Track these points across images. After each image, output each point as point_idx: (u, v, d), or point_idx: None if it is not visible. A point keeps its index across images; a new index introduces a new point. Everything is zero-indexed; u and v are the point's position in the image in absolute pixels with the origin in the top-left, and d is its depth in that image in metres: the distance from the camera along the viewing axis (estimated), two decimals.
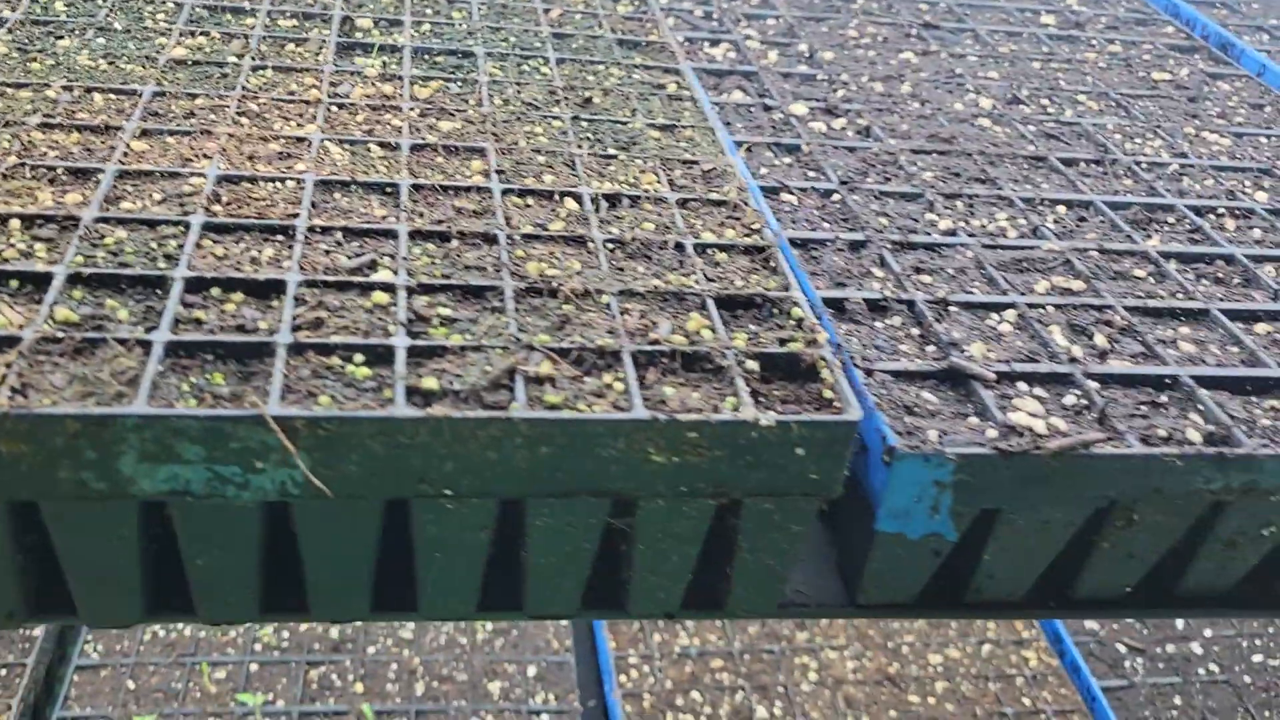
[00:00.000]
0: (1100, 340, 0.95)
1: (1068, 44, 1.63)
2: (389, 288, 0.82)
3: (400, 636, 2.11)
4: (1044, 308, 0.98)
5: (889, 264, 1.01)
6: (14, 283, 0.77)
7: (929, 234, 1.07)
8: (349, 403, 0.71)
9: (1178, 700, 2.19)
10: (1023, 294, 1.00)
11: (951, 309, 0.96)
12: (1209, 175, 1.28)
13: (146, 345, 0.73)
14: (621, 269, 0.89)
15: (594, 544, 0.81)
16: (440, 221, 0.91)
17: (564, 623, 2.22)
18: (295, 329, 0.77)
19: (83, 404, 0.67)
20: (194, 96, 1.04)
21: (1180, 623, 2.39)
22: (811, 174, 1.16)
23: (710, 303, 0.86)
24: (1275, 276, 1.09)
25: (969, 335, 0.93)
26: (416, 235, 0.89)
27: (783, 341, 0.84)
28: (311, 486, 0.70)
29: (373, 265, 0.84)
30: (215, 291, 0.80)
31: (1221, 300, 1.04)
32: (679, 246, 0.93)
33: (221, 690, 1.94)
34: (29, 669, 1.86)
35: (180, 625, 2.04)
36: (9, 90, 1.00)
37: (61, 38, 1.12)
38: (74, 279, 0.78)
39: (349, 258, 0.85)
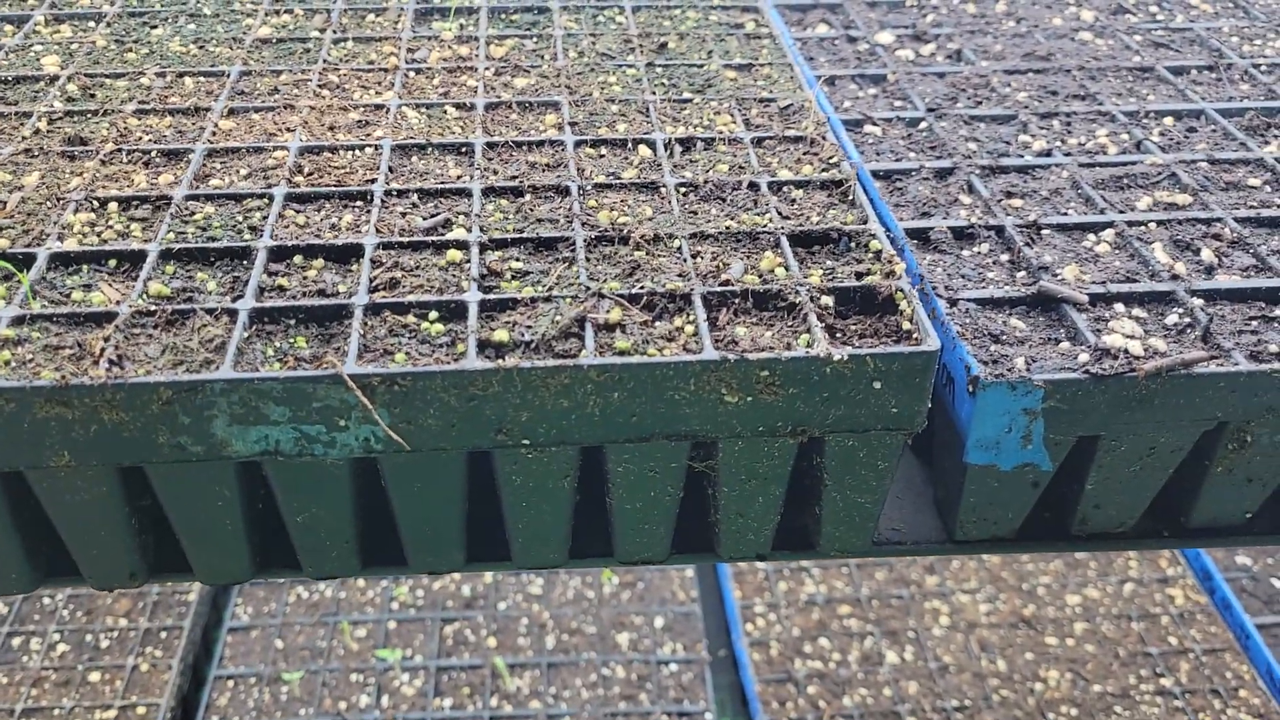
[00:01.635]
0: (1207, 255, 0.89)
1: None
2: (462, 245, 0.83)
3: (529, 592, 2.17)
4: (1145, 225, 0.93)
5: (977, 190, 0.97)
6: (112, 262, 0.81)
7: (1021, 156, 1.03)
8: (423, 358, 0.73)
9: None
10: (1122, 212, 0.95)
11: (1044, 232, 0.92)
12: None
13: (233, 314, 0.76)
14: (695, 212, 0.88)
15: (677, 487, 0.81)
16: (514, 177, 0.92)
17: (689, 574, 2.23)
18: (372, 290, 0.79)
19: (174, 372, 0.71)
20: (278, 73, 1.07)
21: None
22: (898, 103, 1.13)
23: (784, 240, 0.84)
24: None
25: (1063, 258, 0.89)
26: (490, 192, 0.90)
27: (860, 275, 0.82)
28: (391, 441, 0.72)
29: (447, 224, 0.86)
30: (298, 259, 0.82)
31: None
32: (753, 186, 0.91)
33: (363, 647, 2.03)
34: (185, 631, 1.98)
35: (322, 587, 2.14)
36: (107, 80, 1.05)
37: (155, 27, 1.16)
38: (166, 255, 0.82)
39: (424, 218, 0.86)
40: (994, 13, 1.32)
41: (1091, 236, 0.92)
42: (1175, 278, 0.87)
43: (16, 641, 1.95)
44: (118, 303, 0.77)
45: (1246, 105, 1.12)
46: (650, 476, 0.79)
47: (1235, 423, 0.81)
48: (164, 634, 1.97)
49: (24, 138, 0.95)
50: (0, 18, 1.18)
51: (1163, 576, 2.21)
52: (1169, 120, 1.10)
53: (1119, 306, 0.84)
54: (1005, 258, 0.90)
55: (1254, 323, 0.83)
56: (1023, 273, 0.88)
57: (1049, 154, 1.03)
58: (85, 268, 0.81)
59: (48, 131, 0.97)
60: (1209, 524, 0.89)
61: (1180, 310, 0.84)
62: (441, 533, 0.82)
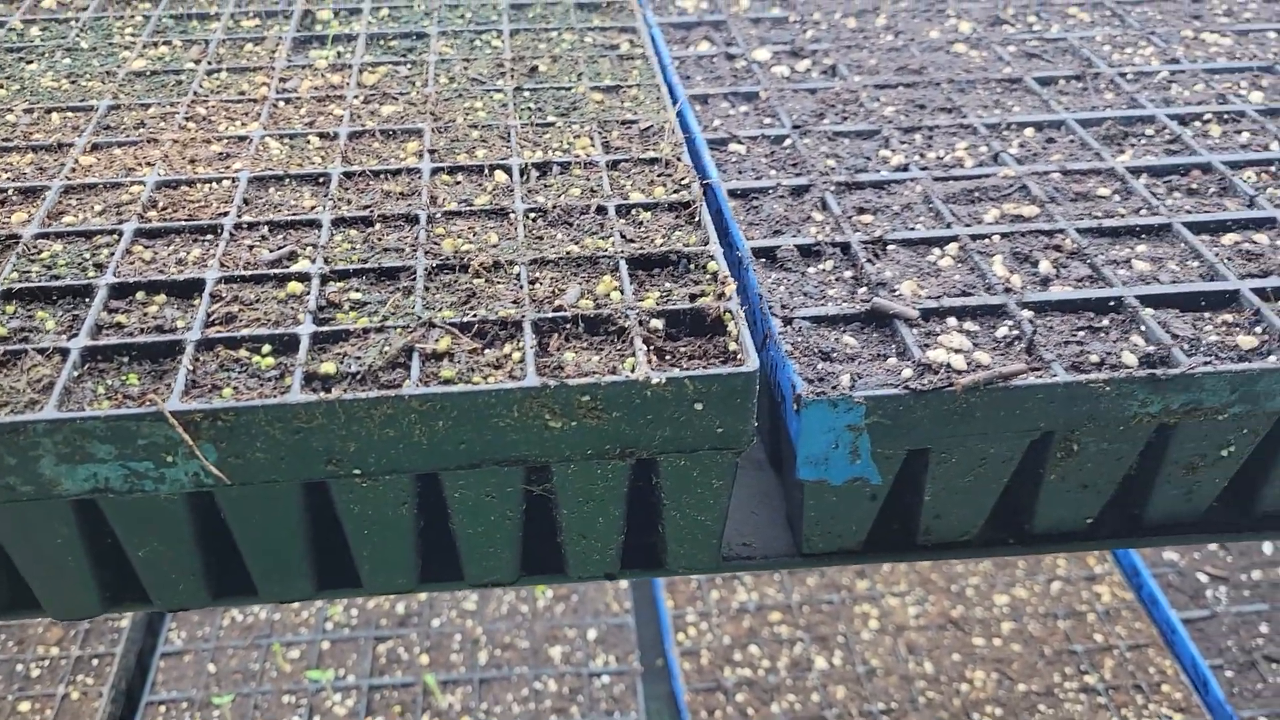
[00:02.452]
0: (1045, 267, 0.91)
1: None
2: (304, 277, 0.85)
3: (464, 608, 2.18)
4: (989, 238, 0.95)
5: (830, 207, 0.99)
6: None
7: (879, 171, 1.05)
8: (251, 392, 0.74)
9: (1264, 628, 2.11)
10: (968, 225, 0.97)
11: (890, 248, 0.94)
12: (1200, 80, 1.21)
13: (65, 352, 0.77)
14: (540, 238, 0.90)
15: (517, 511, 0.82)
16: (366, 207, 0.93)
17: (623, 585, 2.25)
18: (208, 325, 0.80)
19: None
20: (147, 107, 1.08)
21: (1268, 547, 2.29)
22: (767, 120, 1.14)
23: (623, 264, 0.86)
24: (1254, 182, 1.03)
25: (904, 273, 0.91)
26: (340, 223, 0.91)
27: (694, 297, 0.83)
28: (212, 477, 0.73)
29: (292, 256, 0.87)
30: (140, 295, 0.83)
31: (1190, 213, 0.99)
32: (601, 210, 0.93)
33: (295, 669, 2.03)
34: (118, 657, 1.98)
35: (256, 608, 2.14)
36: None
37: (30, 62, 1.17)
38: (7, 294, 0.83)
39: (271, 251, 0.88)
40: (873, 27, 1.34)
41: (936, 251, 0.94)
42: (1009, 290, 0.89)
43: None
44: None
45: (1106, 115, 1.14)
46: (488, 501, 0.80)
47: (1060, 432, 0.83)
48: (96, 661, 1.97)
49: None
50: None
51: (1090, 574, 2.24)
52: (1030, 131, 1.12)
53: (951, 320, 0.86)
54: (849, 274, 0.92)
55: (1081, 333, 0.85)
56: (863, 289, 0.90)
57: (906, 169, 1.05)
58: None
59: None
60: (1052, 530, 0.91)
61: (1010, 323, 0.86)
62: (286, 562, 0.83)
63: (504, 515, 0.82)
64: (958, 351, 0.82)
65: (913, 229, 0.97)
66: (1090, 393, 0.79)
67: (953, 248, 0.94)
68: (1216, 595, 2.18)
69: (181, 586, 0.83)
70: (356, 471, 0.76)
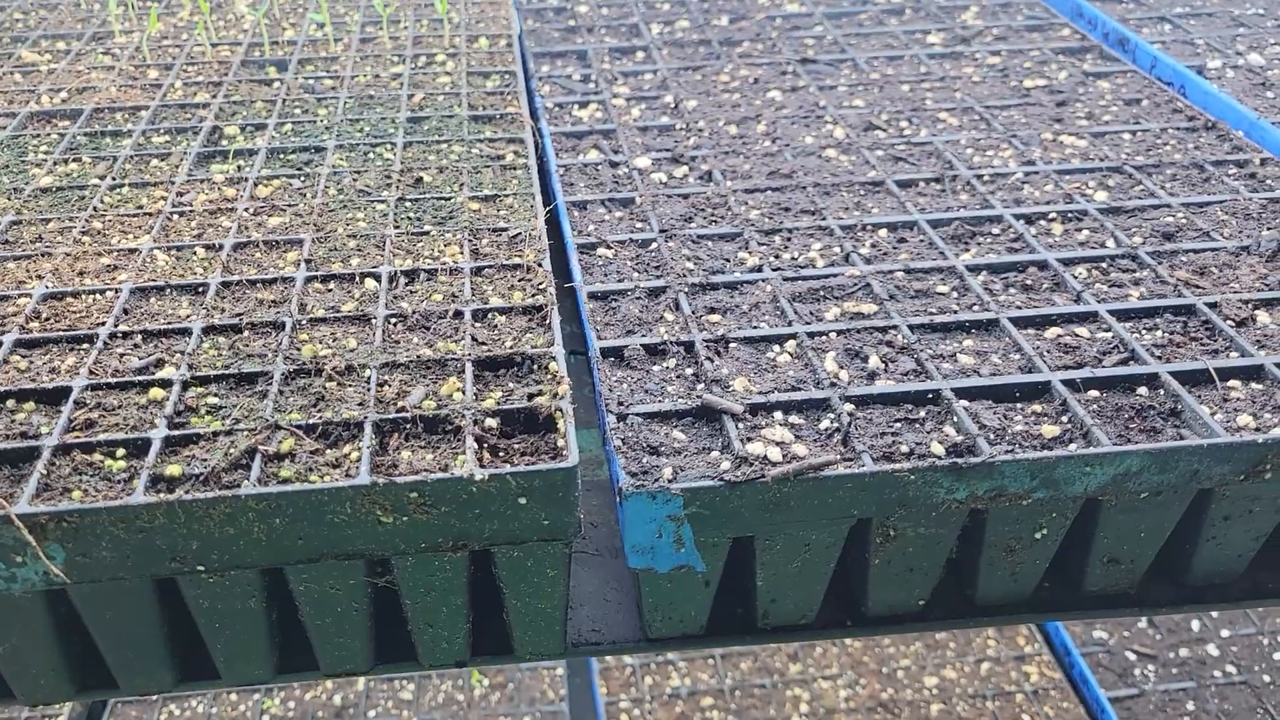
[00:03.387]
0: (875, 362, 0.98)
1: (949, 61, 1.65)
2: (167, 384, 0.90)
3: (400, 698, 2.19)
4: (826, 335, 1.02)
5: (682, 307, 1.06)
6: None
7: (734, 273, 1.12)
8: (98, 495, 0.79)
9: (1191, 705, 2.13)
10: (808, 323, 1.03)
11: (732, 346, 1.01)
12: (1051, 180, 1.29)
13: None
14: (397, 342, 0.96)
15: (363, 602, 0.86)
16: (238, 315, 0.99)
17: (560, 672, 2.26)
18: (68, 430, 0.85)
19: None
20: (47, 221, 1.15)
21: (1195, 624, 2.32)
22: (638, 225, 1.21)
23: (469, 366, 0.92)
24: (1084, 278, 1.10)
25: (741, 370, 0.97)
26: (210, 330, 0.97)
27: (531, 397, 0.89)
28: (68, 572, 0.78)
29: (159, 364, 0.93)
30: (10, 403, 0.89)
31: (1019, 309, 1.05)
32: (458, 314, 0.99)
33: None
34: None
35: (194, 703, 2.15)
36: None
37: None
38: None
39: (140, 359, 0.93)
40: (753, 133, 1.42)
41: (775, 348, 1.01)
42: (834, 384, 0.95)
43: None
44: None
45: (957, 215, 1.21)
46: (333, 594, 0.85)
47: (877, 518, 0.88)
48: None
49: None
50: None
51: (1020, 654, 2.26)
52: (883, 232, 1.19)
53: (778, 415, 0.92)
54: (690, 372, 0.98)
55: (897, 424, 0.91)
56: (701, 385, 0.95)
57: (759, 270, 1.12)
58: None
59: None
60: (887, 612, 0.96)
61: (832, 416, 0.91)
62: (144, 655, 0.87)
63: (350, 607, 0.86)
64: (778, 444, 0.87)
65: (756, 327, 1.03)
66: (898, 481, 0.85)
67: (790, 345, 1.00)
68: (1145, 674, 2.21)
69: (43, 681, 0.87)
70: (201, 568, 0.80)
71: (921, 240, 1.18)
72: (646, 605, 0.91)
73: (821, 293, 1.09)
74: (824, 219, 1.21)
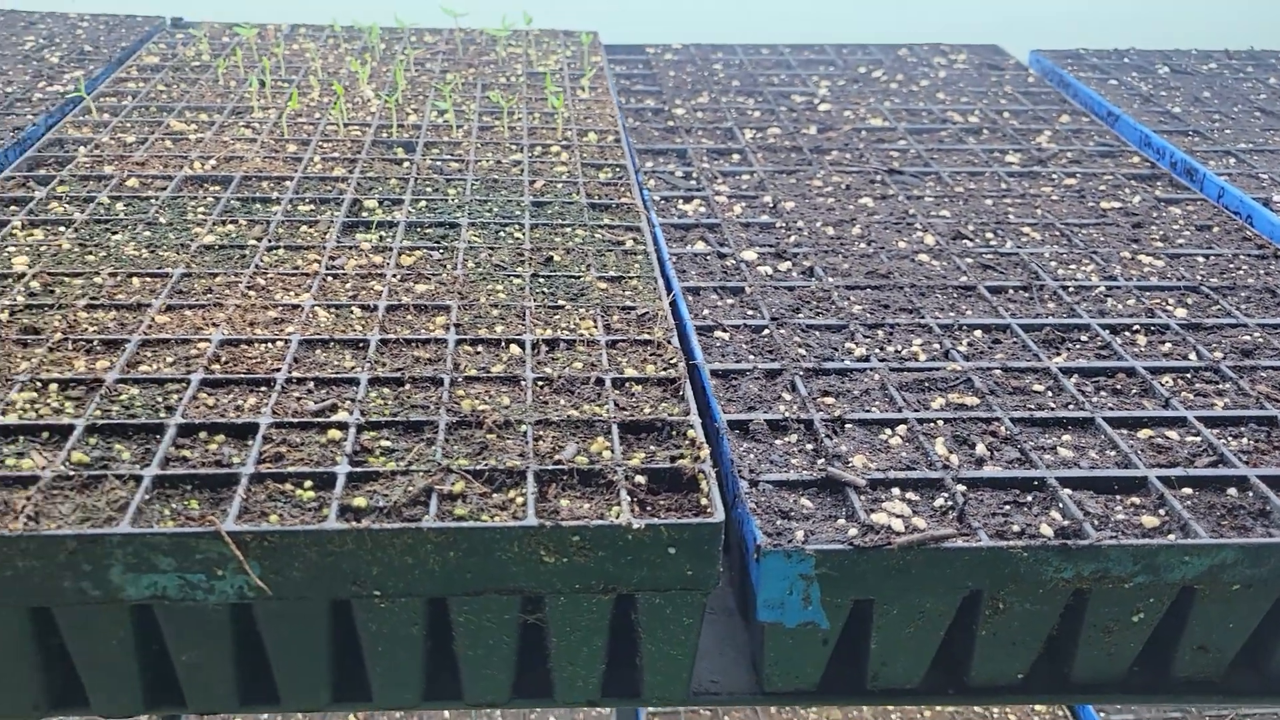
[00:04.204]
0: (981, 449, 1.06)
1: (1027, 179, 1.76)
2: (343, 426, 0.99)
3: None
4: (934, 422, 1.10)
5: (798, 389, 1.15)
6: (45, 434, 0.97)
7: (843, 361, 1.21)
8: (292, 519, 0.88)
9: None
10: (916, 410, 1.12)
11: (847, 426, 1.09)
12: (1132, 295, 1.38)
13: (139, 479, 0.91)
14: (545, 402, 1.05)
15: (513, 637, 0.94)
16: (399, 369, 1.09)
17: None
18: (260, 462, 0.94)
19: (80, 527, 0.85)
20: (214, 276, 1.26)
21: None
22: (749, 312, 1.31)
23: (615, 428, 1.01)
24: (1171, 386, 1.19)
25: (858, 448, 1.06)
26: (375, 382, 1.07)
27: (673, 459, 0.98)
28: (260, 589, 0.86)
29: (333, 408, 1.02)
30: (203, 434, 0.98)
31: (1112, 410, 1.14)
32: (599, 381, 1.08)
33: None
34: None
35: None
36: (66, 279, 1.23)
37: (116, 233, 1.35)
38: (91, 429, 0.97)
39: (315, 403, 1.03)
40: (849, 235, 1.53)
41: (887, 431, 1.09)
42: (947, 467, 1.03)
43: None
44: (43, 469, 0.92)
45: (1047, 321, 1.31)
46: (487, 627, 0.93)
47: (988, 591, 0.95)
48: None
49: None
50: None
51: None
52: (978, 333, 1.28)
53: (895, 490, 1.00)
54: (810, 447, 1.06)
55: (1006, 507, 0.99)
56: (821, 460, 1.04)
57: (867, 359, 1.21)
58: (21, 438, 0.96)
59: (6, 322, 1.14)
60: (987, 683, 1.03)
61: (946, 495, 0.99)
62: (309, 673, 0.94)
63: (501, 640, 0.94)
64: (898, 516, 0.95)
65: (869, 411, 1.12)
66: (1011, 557, 0.92)
67: (901, 429, 1.09)
68: None
69: (217, 691, 0.94)
70: (377, 593, 0.89)
71: (1015, 342, 1.27)
72: (767, 660, 0.98)
73: (926, 384, 1.17)
74: (922, 317, 1.31)
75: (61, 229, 1.36)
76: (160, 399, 1.02)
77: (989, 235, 1.55)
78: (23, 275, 1.23)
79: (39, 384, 1.03)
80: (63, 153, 1.61)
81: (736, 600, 1.11)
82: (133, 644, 0.91)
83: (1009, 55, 2.48)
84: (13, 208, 1.43)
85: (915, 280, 1.40)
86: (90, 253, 1.30)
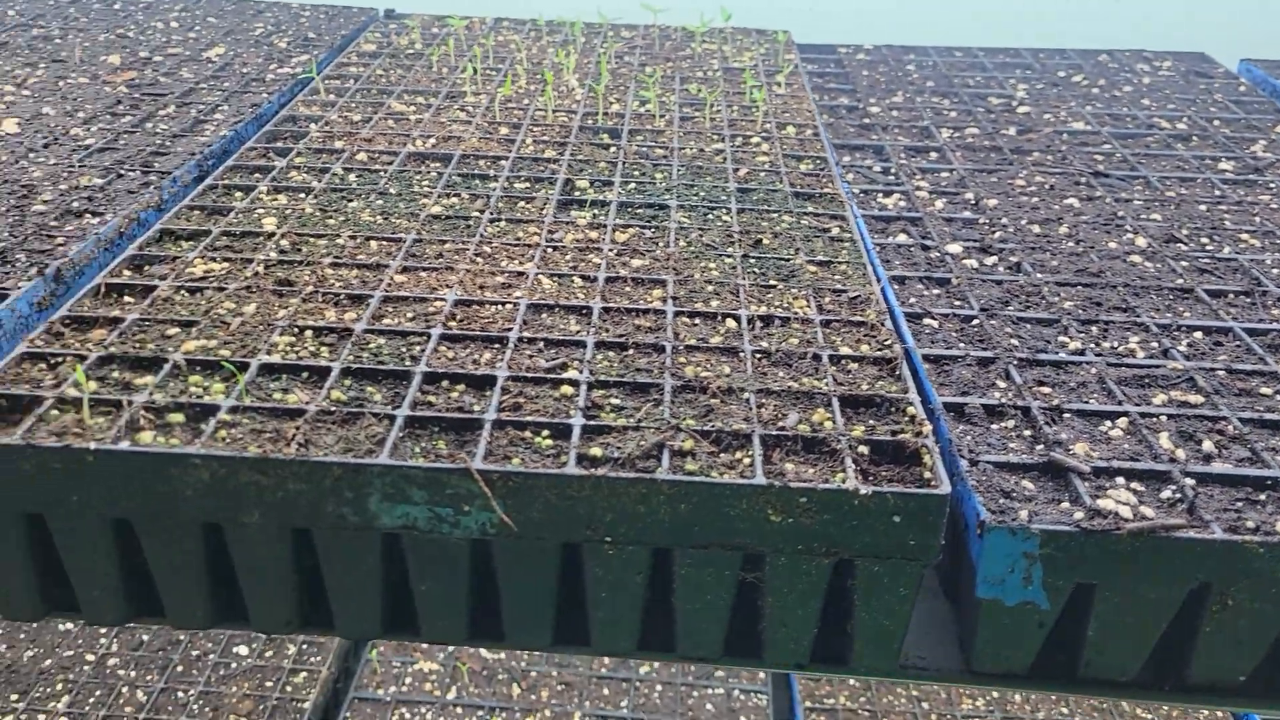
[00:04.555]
0: (1208, 446, 1.04)
1: (1243, 188, 1.70)
2: (574, 383, 1.04)
3: None
4: (1157, 417, 1.08)
5: (1013, 377, 1.14)
6: (305, 373, 1.05)
7: (1057, 354, 1.20)
8: (534, 463, 0.93)
9: None
10: (1137, 405, 1.10)
11: (1065, 416, 1.08)
12: None
13: (392, 419, 0.98)
14: (764, 374, 1.08)
15: (730, 593, 0.97)
16: (621, 336, 1.13)
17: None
18: (499, 411, 0.99)
19: (344, 456, 0.92)
20: (444, 243, 1.33)
21: None
22: (957, 303, 1.31)
23: (835, 401, 1.03)
24: None
25: (1077, 437, 1.05)
26: (600, 345, 1.11)
27: (894, 433, 0.99)
28: (504, 525, 0.91)
29: (564, 367, 1.07)
30: (444, 383, 1.04)
31: None
32: (816, 357, 1.11)
33: None
34: None
35: (423, 712, 2.29)
36: (311, 239, 1.32)
37: (351, 201, 1.44)
38: (346, 371, 1.05)
39: (546, 361, 1.08)
40: (1056, 234, 1.51)
41: (1107, 423, 1.08)
42: (1174, 461, 1.01)
43: None
44: (307, 403, 0.99)
45: (1273, 327, 1.27)
46: (708, 580, 0.96)
47: (1217, 586, 0.93)
48: None
49: (246, 278, 1.22)
50: (234, 186, 1.48)
51: None
52: (1198, 334, 1.25)
53: (1119, 479, 0.99)
54: (1028, 433, 1.06)
55: (1239, 504, 0.97)
56: (1040, 446, 1.04)
57: (1082, 353, 1.20)
58: (284, 376, 1.04)
59: (263, 274, 1.23)
60: (1207, 683, 1.00)
61: (1174, 487, 0.98)
62: (536, 613, 0.99)
63: (719, 595, 0.97)
64: (1125, 504, 0.94)
65: (1086, 402, 1.11)
66: (1246, 552, 0.91)
67: (1123, 422, 1.08)
68: None
69: (447, 622, 1.00)
70: (608, 539, 0.93)
71: (1238, 345, 1.23)
72: (980, 639, 0.98)
73: (1146, 380, 1.15)
74: (1138, 316, 1.28)
75: (302, 195, 1.46)
76: (404, 349, 1.09)
77: (1204, 240, 1.51)
78: (273, 234, 1.33)
79: (296, 329, 1.12)
80: (296, 128, 1.73)
81: (941, 580, 1.12)
82: (378, 571, 0.97)
83: (1217, 63, 2.39)
84: (256, 175, 1.54)
85: (1128, 280, 1.37)
86: (330, 217, 1.39)
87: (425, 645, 2.46)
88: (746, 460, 0.94)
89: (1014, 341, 1.22)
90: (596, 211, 1.45)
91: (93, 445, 0.92)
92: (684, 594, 0.97)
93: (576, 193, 1.51)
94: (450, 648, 2.46)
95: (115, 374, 1.04)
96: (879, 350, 1.13)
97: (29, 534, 0.97)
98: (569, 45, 2.26)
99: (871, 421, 1.02)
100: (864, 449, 0.97)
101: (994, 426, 1.07)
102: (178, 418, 0.97)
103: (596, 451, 0.94)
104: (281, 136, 1.70)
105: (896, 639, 0.98)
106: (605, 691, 2.35)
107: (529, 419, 0.98)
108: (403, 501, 0.92)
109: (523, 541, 0.94)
